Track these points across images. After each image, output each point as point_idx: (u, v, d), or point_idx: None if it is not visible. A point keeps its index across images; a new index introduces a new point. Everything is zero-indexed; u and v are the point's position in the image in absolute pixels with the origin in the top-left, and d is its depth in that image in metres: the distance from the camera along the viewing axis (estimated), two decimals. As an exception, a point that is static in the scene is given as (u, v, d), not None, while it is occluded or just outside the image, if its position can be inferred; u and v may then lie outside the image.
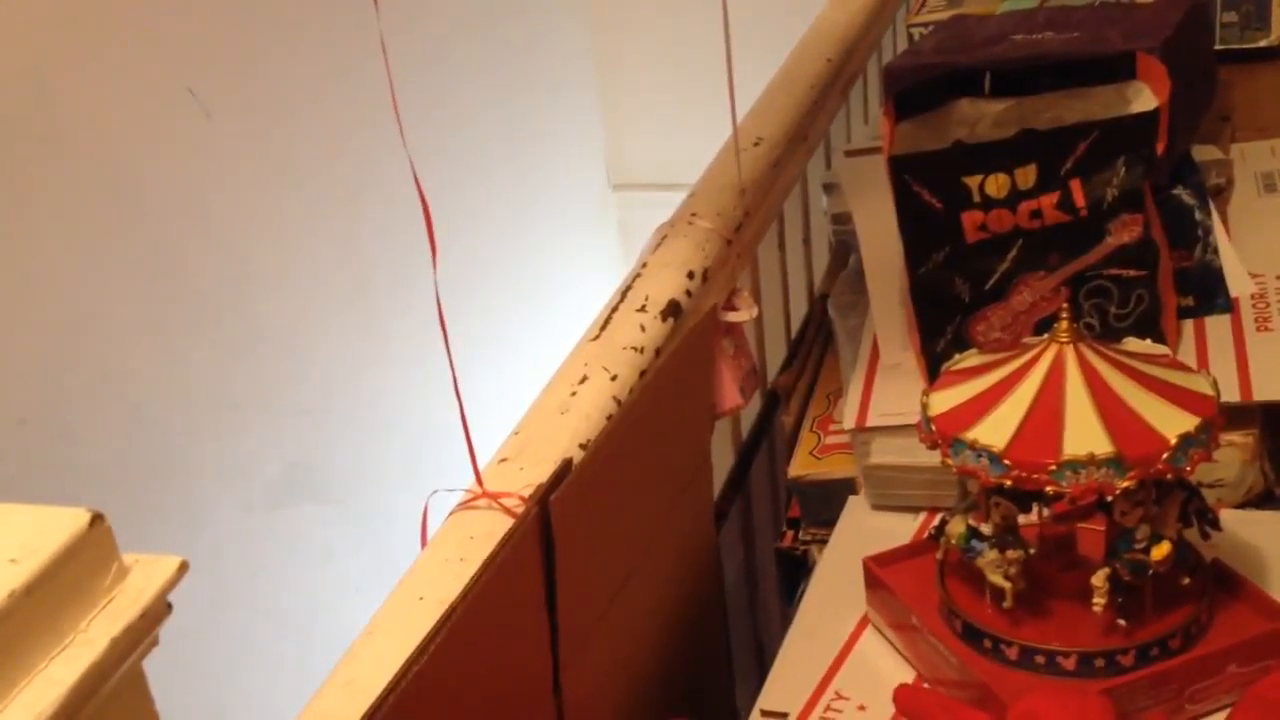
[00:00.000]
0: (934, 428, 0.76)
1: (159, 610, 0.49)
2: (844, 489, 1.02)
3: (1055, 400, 0.73)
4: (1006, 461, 0.72)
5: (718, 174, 1.04)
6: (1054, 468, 0.71)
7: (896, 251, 1.11)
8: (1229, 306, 0.99)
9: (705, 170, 1.05)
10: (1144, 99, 0.94)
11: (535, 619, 0.70)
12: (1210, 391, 0.74)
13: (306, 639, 1.79)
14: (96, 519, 0.48)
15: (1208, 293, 1.00)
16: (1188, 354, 0.95)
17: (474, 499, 0.71)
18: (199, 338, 1.67)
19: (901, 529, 0.96)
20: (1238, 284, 1.01)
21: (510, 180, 2.42)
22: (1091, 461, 0.70)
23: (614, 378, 0.81)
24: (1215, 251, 1.04)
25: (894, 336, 1.05)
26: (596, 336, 0.85)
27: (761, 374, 1.11)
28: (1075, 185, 0.89)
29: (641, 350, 0.84)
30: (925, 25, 1.43)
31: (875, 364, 1.04)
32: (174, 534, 1.61)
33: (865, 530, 0.97)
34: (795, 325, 1.25)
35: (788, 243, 1.20)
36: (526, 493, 0.70)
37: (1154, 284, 0.93)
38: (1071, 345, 0.74)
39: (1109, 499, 0.71)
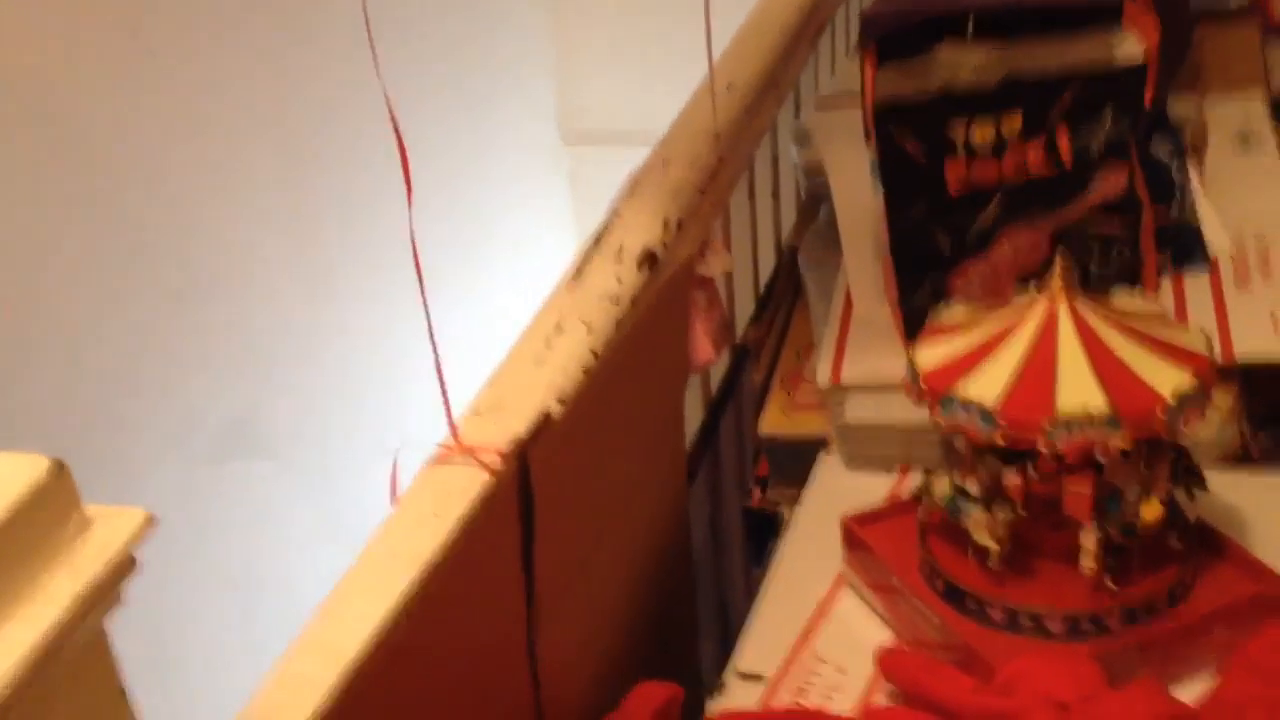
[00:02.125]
0: (923, 383, 0.74)
1: (125, 565, 0.45)
2: (815, 447, 1.00)
3: (1048, 356, 0.71)
4: (999, 418, 0.70)
5: (690, 119, 1.00)
6: (1048, 425, 0.69)
7: (871, 203, 1.09)
8: (1207, 265, 0.98)
9: (678, 115, 1.02)
10: (1129, 48, 0.91)
11: (511, 578, 0.67)
12: (1203, 348, 0.73)
13: (249, 596, 1.75)
14: (57, 466, 0.44)
15: (1185, 250, 0.99)
16: (1167, 312, 0.93)
17: (449, 453, 0.68)
18: (139, 285, 1.61)
19: (876, 487, 0.94)
20: (1216, 243, 0.99)
21: (458, 125, 2.37)
22: (1087, 419, 0.68)
23: (590, 329, 0.77)
24: (1193, 209, 1.03)
25: (868, 290, 1.03)
26: (571, 285, 0.82)
27: (730, 327, 1.08)
28: (1061, 134, 0.87)
29: (618, 301, 0.80)
30: (895, -25, 1.40)
31: (849, 319, 1.02)
32: (112, 488, 1.56)
33: (839, 489, 0.95)
34: (763, 278, 1.22)
35: (756, 193, 1.17)
36: (504, 447, 0.67)
37: (1135, 239, 0.91)
38: (1065, 300, 0.72)
39: (1102, 458, 0.69)
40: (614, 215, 0.90)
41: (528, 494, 0.67)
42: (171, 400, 1.66)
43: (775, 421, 1.04)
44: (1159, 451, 0.71)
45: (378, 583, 0.61)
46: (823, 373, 0.97)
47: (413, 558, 0.62)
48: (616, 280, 0.83)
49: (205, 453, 1.74)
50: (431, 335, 0.66)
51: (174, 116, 1.64)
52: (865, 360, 0.97)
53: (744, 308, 1.16)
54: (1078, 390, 0.69)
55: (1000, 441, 0.70)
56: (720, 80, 1.03)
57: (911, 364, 0.75)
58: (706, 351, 0.96)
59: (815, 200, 1.17)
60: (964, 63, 0.94)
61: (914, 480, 0.94)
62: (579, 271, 0.83)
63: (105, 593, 0.45)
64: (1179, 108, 1.14)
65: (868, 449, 0.95)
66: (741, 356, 1.10)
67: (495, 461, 0.67)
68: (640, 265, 0.85)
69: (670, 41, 2.62)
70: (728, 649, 0.83)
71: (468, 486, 0.66)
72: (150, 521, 0.46)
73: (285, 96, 1.81)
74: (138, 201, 1.61)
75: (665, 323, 0.86)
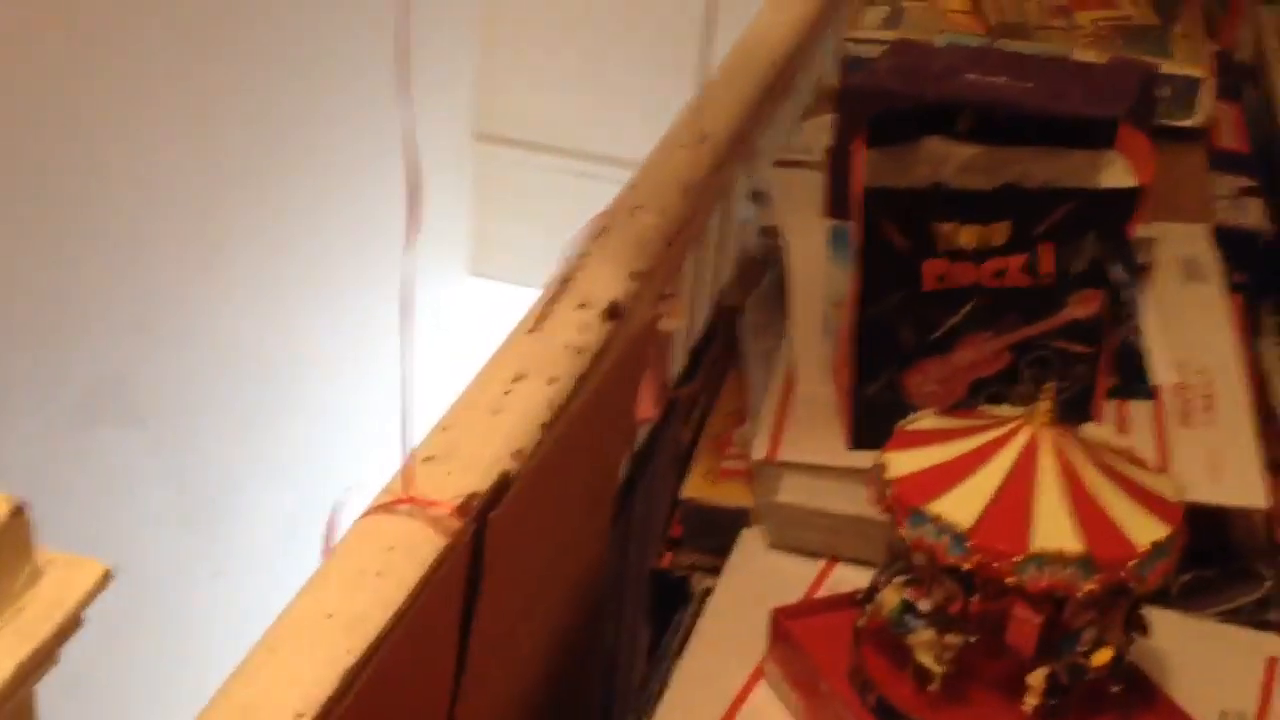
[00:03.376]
0: (892, 493, 0.71)
1: (73, 626, 0.40)
2: (736, 518, 0.97)
3: (1026, 485, 0.69)
4: (970, 544, 0.67)
5: (662, 166, 0.97)
6: (1019, 559, 0.67)
7: (824, 278, 1.06)
8: (1151, 393, 0.97)
9: (648, 159, 0.98)
10: (1116, 171, 0.91)
11: (446, 648, 0.62)
12: (1176, 497, 0.71)
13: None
14: (16, 509, 0.38)
15: (1131, 375, 0.98)
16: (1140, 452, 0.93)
17: (395, 501, 0.63)
18: (9, 235, 1.51)
19: (800, 574, 0.91)
20: (1163, 371, 0.99)
21: (369, 113, 2.29)
22: (1060, 559, 0.66)
23: (552, 380, 0.73)
24: (1139, 333, 1.03)
25: (814, 368, 1.00)
26: (534, 329, 0.77)
27: (668, 385, 1.05)
28: (1044, 251, 0.86)
29: (581, 353, 0.76)
30: (862, 42, 1.39)
31: (790, 394, 0.99)
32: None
33: (760, 570, 0.92)
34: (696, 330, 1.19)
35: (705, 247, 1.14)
36: (457, 503, 0.63)
37: (1095, 363, 0.90)
38: (1049, 429, 0.70)
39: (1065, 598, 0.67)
40: (579, 259, 0.85)
41: (478, 558, 0.63)
42: (38, 357, 1.56)
43: (699, 486, 1.01)
44: (1119, 599, 0.70)
45: (308, 647, 0.56)
46: (759, 447, 0.94)
47: (351, 622, 0.56)
48: (581, 330, 0.79)
49: (68, 416, 1.64)
50: (405, 371, 0.61)
51: (58, 74, 1.54)
52: (805, 441, 0.94)
53: (676, 360, 1.13)
54: (1054, 528, 0.67)
55: (968, 567, 0.68)
56: (695, 131, 1.00)
57: (880, 469, 0.73)
58: (648, 408, 0.92)
59: (763, 261, 1.14)
60: (951, 158, 0.93)
61: (839, 574, 0.92)
62: (542, 316, 0.79)
63: (48, 656, 0.39)
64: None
65: (796, 532, 0.93)
66: (670, 412, 1.06)
67: (449, 521, 0.62)
68: (605, 317, 0.81)
69: (596, 63, 2.59)
70: (609, 709, 0.79)
71: (417, 544, 0.61)
72: (109, 576, 0.40)
73: (183, 57, 1.72)
74: (25, 143, 1.51)
75: (622, 379, 0.82)
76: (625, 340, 0.81)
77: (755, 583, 0.90)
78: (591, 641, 0.90)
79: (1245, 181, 1.34)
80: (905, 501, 0.70)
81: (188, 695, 0.55)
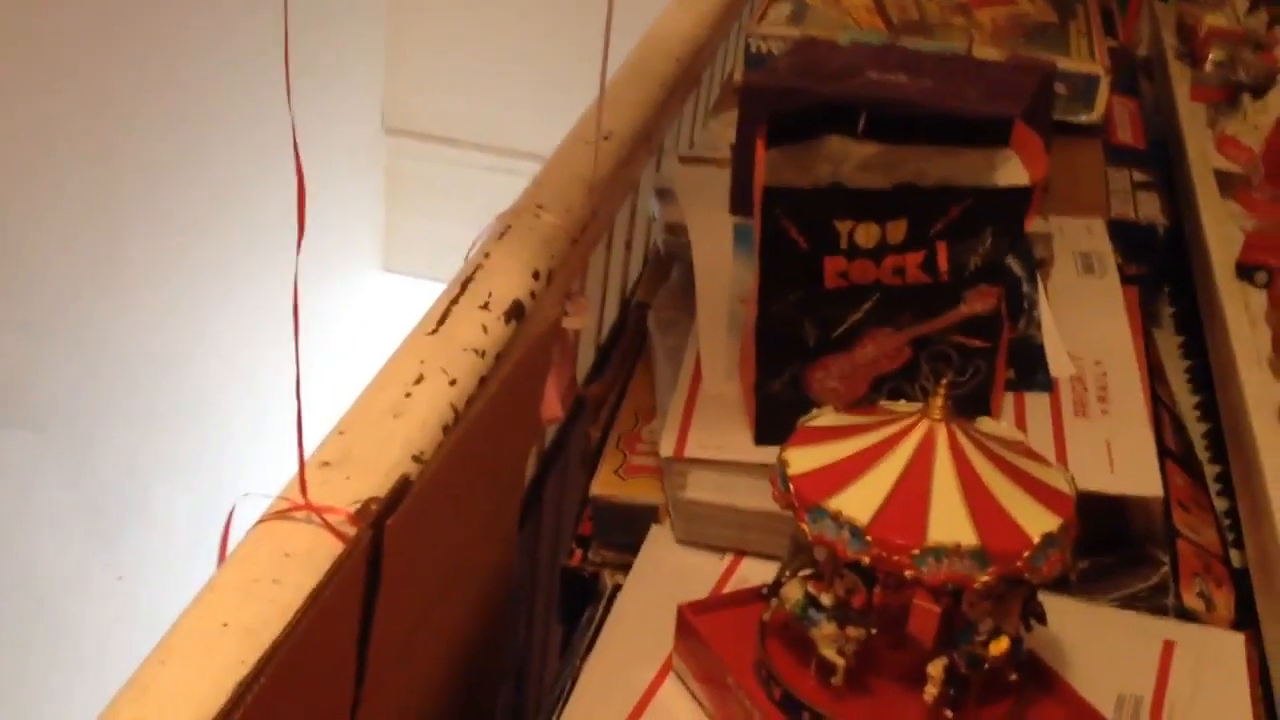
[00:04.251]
0: (792, 489, 0.72)
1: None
2: (646, 515, 0.97)
3: (923, 480, 0.70)
4: (869, 538, 0.68)
5: (565, 164, 0.97)
6: (917, 552, 0.68)
7: (730, 276, 1.07)
8: (1049, 385, 0.99)
9: (551, 158, 0.98)
10: (1011, 169, 0.92)
11: (345, 657, 0.62)
12: (1068, 489, 0.73)
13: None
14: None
15: (1028, 368, 1.00)
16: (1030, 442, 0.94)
17: (291, 508, 0.62)
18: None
19: (707, 568, 0.92)
20: (1059, 364, 1.01)
21: (268, 110, 2.26)
22: (956, 551, 0.67)
23: (453, 381, 0.73)
24: (1038, 326, 1.04)
25: (719, 365, 1.01)
26: (434, 330, 0.77)
27: (575, 383, 1.05)
28: (941, 248, 0.87)
29: (483, 354, 0.76)
30: (768, 38, 1.40)
31: (696, 390, 1.00)
32: None
33: (669, 566, 0.92)
34: (605, 329, 1.19)
35: (612, 244, 1.14)
36: (354, 508, 0.62)
37: (994, 357, 0.92)
38: (944, 423, 0.71)
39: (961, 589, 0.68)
40: (481, 259, 0.85)
41: (376, 565, 0.62)
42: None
43: (608, 483, 1.01)
44: (1015, 589, 0.71)
45: (202, 657, 0.55)
46: (666, 444, 0.94)
47: (245, 632, 0.56)
48: (483, 330, 0.78)
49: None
50: (299, 385, 0.60)
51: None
52: (711, 438, 0.94)
53: (584, 358, 1.13)
54: (949, 521, 0.68)
55: (867, 561, 0.68)
56: (598, 128, 1.00)
57: (781, 466, 0.73)
58: (554, 409, 0.92)
59: (668, 258, 1.15)
60: (850, 156, 0.94)
61: (747, 568, 0.93)
62: (442, 317, 0.78)
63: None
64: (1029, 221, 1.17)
65: (703, 528, 0.93)
66: (578, 410, 1.06)
67: (343, 524, 0.61)
68: (508, 317, 0.80)
69: (504, 56, 2.57)
70: (520, 708, 0.79)
71: (312, 551, 0.60)
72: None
73: (74, 54, 1.69)
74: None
75: (525, 379, 0.82)
76: (529, 340, 0.81)
77: (664, 579, 0.91)
78: (498, 644, 0.90)
79: (1141, 175, 1.37)
80: (805, 498, 0.71)
81: (87, 705, 0.54)
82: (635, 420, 1.08)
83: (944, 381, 0.71)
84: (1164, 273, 1.31)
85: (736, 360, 0.99)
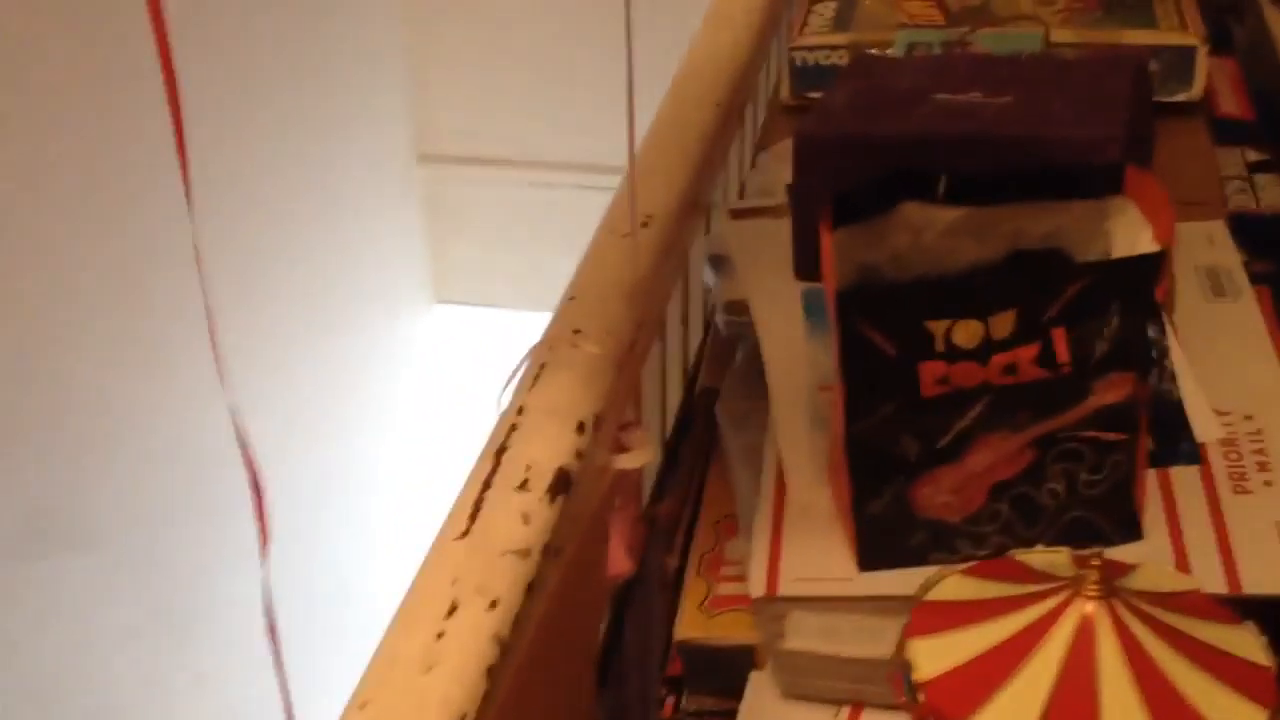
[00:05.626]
0: (923, 699, 0.58)
1: None
2: (742, 658, 0.85)
3: (1086, 682, 0.56)
4: (1028, 767, 0.55)
5: (599, 268, 0.83)
6: (1092, 781, 0.54)
7: (803, 359, 0.93)
8: (1196, 456, 0.84)
9: (582, 262, 0.85)
10: (1129, 221, 0.77)
11: None
12: (1264, 660, 0.59)
13: (76, 700, 1.54)
14: None
15: (1169, 436, 0.85)
16: (1157, 524, 0.79)
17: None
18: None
19: (821, 722, 0.79)
20: (1204, 426, 0.86)
21: (304, 141, 2.15)
22: (1141, 776, 0.54)
23: (493, 604, 0.60)
24: (1173, 378, 0.89)
25: (804, 467, 0.87)
26: (465, 532, 0.64)
27: (644, 520, 0.91)
28: (1058, 336, 0.73)
29: (528, 553, 0.63)
30: (814, 49, 1.25)
31: (782, 504, 0.86)
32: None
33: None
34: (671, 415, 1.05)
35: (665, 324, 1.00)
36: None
37: (1133, 448, 0.77)
38: (1103, 604, 0.57)
39: (1149, 811, 0.55)
40: (514, 416, 0.72)
41: None
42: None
43: (694, 623, 0.88)
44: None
45: None
46: (755, 581, 0.81)
47: None
48: (523, 521, 0.65)
49: (8, 552, 1.51)
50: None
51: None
52: (807, 566, 0.81)
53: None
54: (1128, 736, 0.54)
55: (1027, 794, 0.55)
56: (633, 213, 0.86)
57: (906, 666, 0.60)
58: (622, 563, 0.79)
59: (732, 338, 1.01)
60: (933, 223, 0.79)
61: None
62: (474, 511, 0.65)
63: None
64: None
65: (811, 680, 0.80)
66: (651, 540, 0.93)
67: None
68: (552, 494, 0.67)
69: (531, 68, 2.44)
70: None
71: None
72: None
73: (96, 115, 1.58)
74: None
75: (586, 561, 0.69)
76: (583, 515, 0.68)
77: (773, 739, 0.78)
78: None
79: (1256, 154, 1.20)
80: (944, 714, 0.57)
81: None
82: (716, 538, 0.94)
83: (1094, 555, 0.57)
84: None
85: (824, 462, 0.86)
